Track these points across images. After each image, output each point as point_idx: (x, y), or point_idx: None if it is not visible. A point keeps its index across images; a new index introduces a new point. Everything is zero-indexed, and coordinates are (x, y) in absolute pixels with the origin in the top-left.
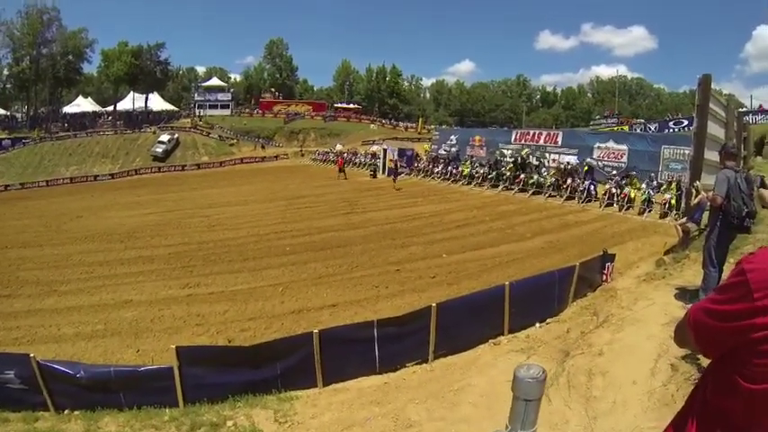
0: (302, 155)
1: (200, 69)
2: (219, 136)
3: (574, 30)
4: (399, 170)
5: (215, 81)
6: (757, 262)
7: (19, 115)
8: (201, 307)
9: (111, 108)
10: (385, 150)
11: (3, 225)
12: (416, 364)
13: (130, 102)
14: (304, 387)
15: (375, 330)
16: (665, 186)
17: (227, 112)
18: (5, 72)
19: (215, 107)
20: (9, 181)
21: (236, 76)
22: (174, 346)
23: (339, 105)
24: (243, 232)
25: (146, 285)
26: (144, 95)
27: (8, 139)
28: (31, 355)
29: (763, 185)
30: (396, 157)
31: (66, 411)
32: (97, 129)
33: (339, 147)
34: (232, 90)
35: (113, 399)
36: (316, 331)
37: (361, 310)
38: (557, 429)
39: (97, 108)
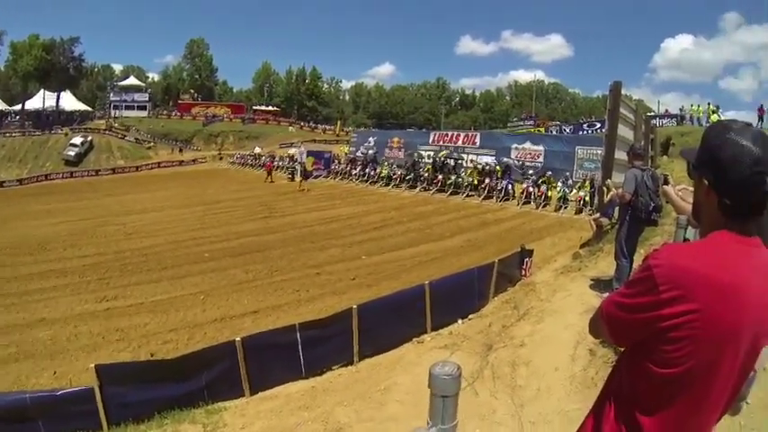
0: (221, 158)
1: (117, 67)
2: (136, 139)
3: (494, 36)
4: (315, 173)
5: (132, 80)
6: (662, 258)
7: None
8: (121, 321)
9: (18, 107)
10: (303, 153)
11: None
12: (342, 366)
13: (40, 100)
14: (231, 397)
15: (298, 334)
16: (579, 184)
17: (144, 113)
18: None
19: (131, 108)
20: None
21: (154, 76)
22: (93, 365)
23: (258, 108)
24: (161, 239)
25: (60, 301)
26: (55, 94)
27: None
28: None
29: (666, 182)
30: (303, 160)
31: None
32: (3, 129)
33: (258, 150)
34: (150, 90)
35: (31, 428)
36: (239, 339)
37: (284, 315)
38: (485, 420)
39: (3, 107)
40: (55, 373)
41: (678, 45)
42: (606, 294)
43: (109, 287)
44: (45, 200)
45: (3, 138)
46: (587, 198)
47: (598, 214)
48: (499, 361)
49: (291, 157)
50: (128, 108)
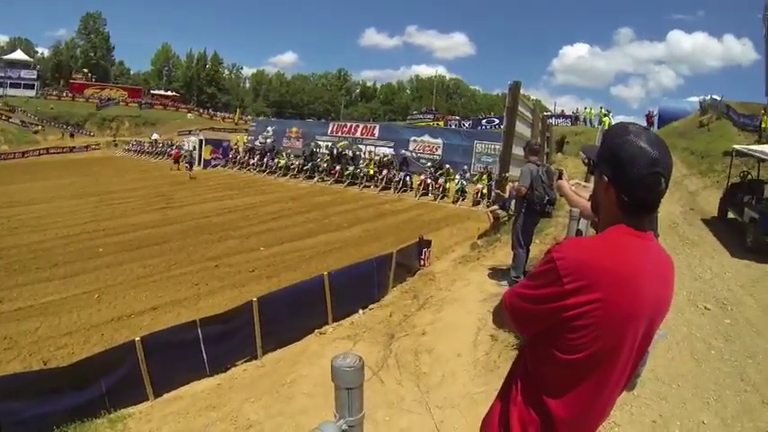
0: (115, 145)
1: (2, 39)
2: (22, 121)
3: (399, 30)
4: (213, 162)
5: (19, 54)
6: (564, 251)
7: None
8: (8, 327)
9: None
10: (201, 141)
11: None
12: (246, 361)
13: None
14: (135, 402)
15: (199, 331)
16: (477, 177)
17: (31, 92)
18: None
19: (17, 86)
20: None
21: (43, 51)
22: None
23: (156, 92)
24: (50, 234)
25: None
26: None
27: None
28: None
29: (560, 177)
30: (190, 148)
31: None
32: None
33: (155, 136)
34: (38, 67)
35: None
36: (138, 339)
37: (184, 311)
38: (393, 407)
39: None
40: None
41: (575, 52)
42: (504, 283)
43: None
44: None
45: None
46: (485, 191)
47: (495, 206)
48: (402, 350)
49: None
50: (13, 86)
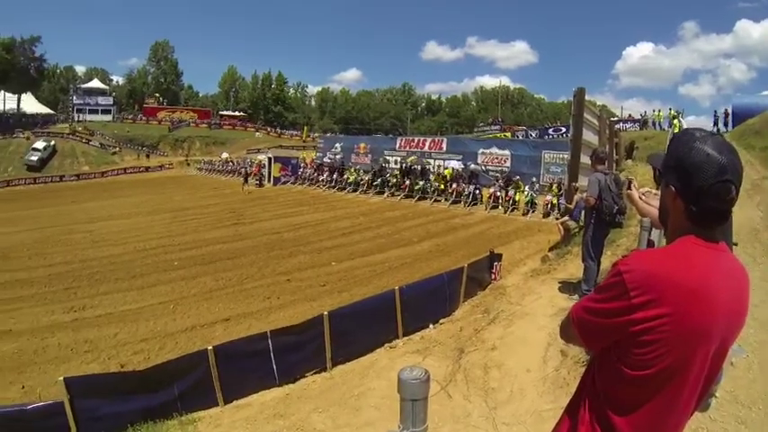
0: (188, 164)
1: (80, 69)
2: (101, 144)
3: (460, 42)
4: (283, 179)
5: (96, 83)
6: (631, 264)
7: None
8: (90, 332)
9: None
10: (270, 159)
11: None
12: (315, 372)
13: (0, 102)
14: (205, 407)
15: (270, 342)
16: (546, 188)
17: (108, 117)
18: None
19: (95, 112)
20: None
21: (118, 79)
22: (62, 378)
23: (224, 113)
24: (129, 247)
25: (25, 312)
26: (16, 96)
27: None
28: None
29: (629, 186)
30: (246, 166)
31: None
32: None
33: (225, 155)
34: (114, 94)
35: None
36: (210, 348)
37: (255, 323)
38: (460, 422)
39: None
40: (23, 387)
41: (639, 52)
42: (576, 296)
43: (77, 297)
44: (7, 207)
45: None
46: (554, 202)
47: (566, 217)
48: (471, 364)
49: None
50: (91, 112)
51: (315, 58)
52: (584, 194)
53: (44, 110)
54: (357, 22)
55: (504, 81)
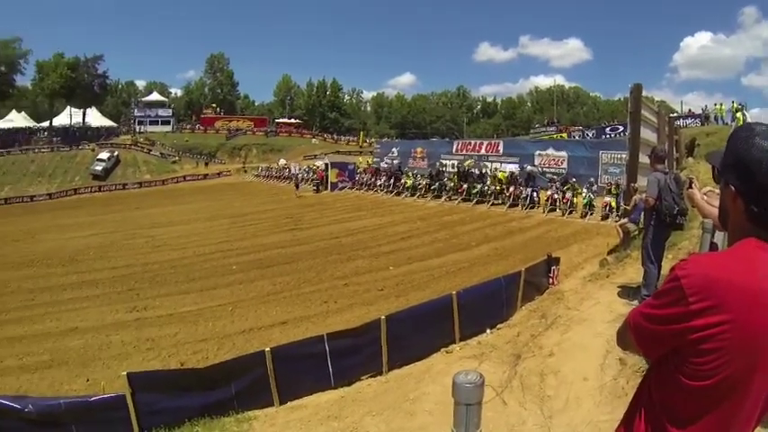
0: (245, 171)
1: (140, 84)
2: (161, 153)
3: (512, 42)
4: (340, 184)
5: (155, 96)
6: (689, 268)
7: None
8: (151, 331)
9: (46, 123)
10: (327, 165)
11: None
12: (371, 376)
13: (67, 117)
14: (261, 406)
15: (326, 345)
16: (605, 190)
17: (168, 128)
18: None
19: (155, 123)
20: None
21: (176, 91)
22: (125, 373)
23: (281, 120)
24: (188, 252)
25: (91, 311)
26: (81, 110)
27: None
28: None
29: (690, 185)
30: (297, 171)
31: None
32: (32, 146)
33: (282, 162)
34: (173, 106)
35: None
36: (268, 349)
37: (312, 326)
38: (514, 430)
39: (32, 123)
40: (88, 380)
41: (697, 43)
42: (635, 302)
43: (139, 298)
44: (74, 213)
45: (32, 153)
46: (613, 203)
47: (625, 220)
48: (528, 371)
49: (313, 170)
50: (152, 123)
51: (369, 63)
52: (643, 195)
53: (107, 123)
54: (409, 27)
55: (559, 80)
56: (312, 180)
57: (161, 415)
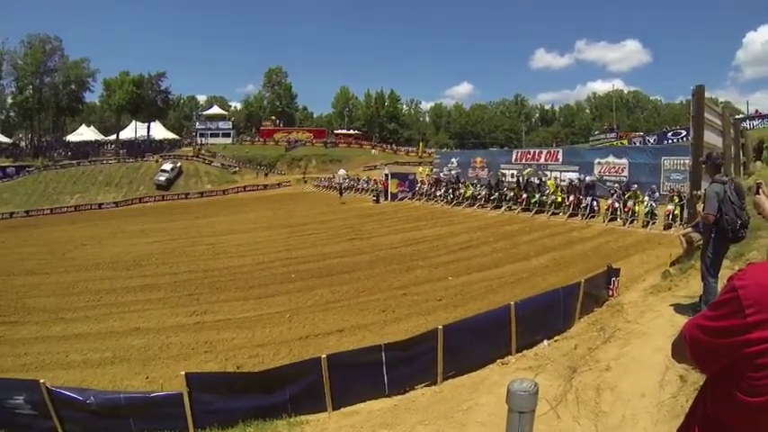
0: (305, 182)
1: (201, 98)
2: (222, 164)
3: (568, 47)
4: (400, 195)
5: (216, 110)
6: (747, 278)
7: (23, 143)
8: (209, 334)
9: (113, 137)
10: (387, 175)
11: (8, 252)
12: (425, 386)
13: (133, 130)
14: (314, 411)
15: (383, 354)
16: (667, 198)
17: (228, 140)
18: (9, 100)
19: (216, 135)
20: (14, 209)
21: (236, 105)
22: (183, 373)
23: (339, 132)
24: (248, 260)
25: (153, 313)
26: (146, 124)
27: (12, 167)
28: (42, 381)
29: (757, 191)
30: (341, 181)
31: None
32: (100, 157)
33: (342, 172)
34: (233, 118)
35: (123, 425)
36: (324, 356)
37: (369, 335)
38: None
39: (100, 137)
40: (147, 377)
41: (761, 38)
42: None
43: (199, 303)
44: (139, 221)
45: (100, 165)
46: (676, 212)
47: (689, 229)
48: (584, 385)
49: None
50: (213, 135)
51: (426, 74)
52: (702, 210)
53: (170, 135)
54: (465, 36)
55: (618, 84)
56: (372, 190)
57: (215, 415)
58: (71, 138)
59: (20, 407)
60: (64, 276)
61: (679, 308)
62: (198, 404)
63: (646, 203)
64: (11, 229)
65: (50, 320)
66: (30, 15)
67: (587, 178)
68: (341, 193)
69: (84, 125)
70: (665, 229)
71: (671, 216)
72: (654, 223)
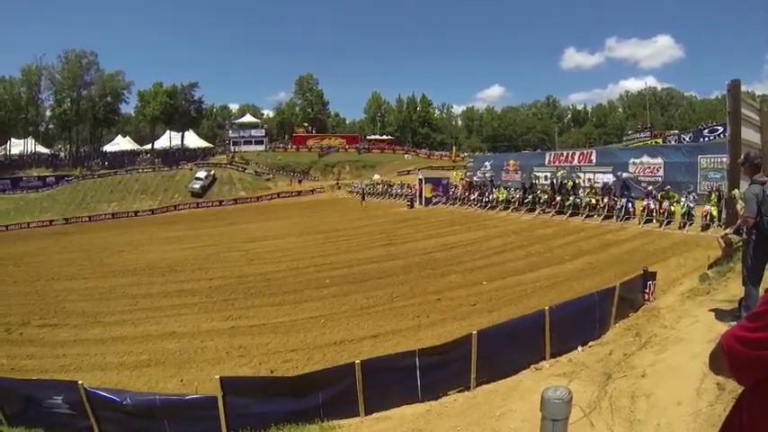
0: (338, 188)
1: (233, 107)
2: (255, 171)
3: (598, 45)
4: (434, 199)
5: (248, 118)
6: None
7: (62, 154)
8: (244, 339)
9: (148, 146)
10: (421, 180)
11: (48, 258)
12: (458, 391)
13: (167, 140)
14: (346, 416)
15: (417, 359)
16: (705, 198)
17: (261, 147)
18: (48, 113)
19: (249, 143)
20: (54, 216)
21: (268, 113)
22: (218, 376)
23: (372, 137)
24: (282, 266)
25: (188, 318)
26: (180, 133)
27: (52, 176)
28: (80, 382)
29: None
30: (363, 186)
31: None
32: (136, 166)
33: (377, 177)
34: (265, 126)
35: (158, 426)
36: (358, 362)
37: (403, 340)
38: None
39: (135, 146)
40: (182, 380)
41: None
42: (735, 322)
43: (233, 308)
44: (174, 228)
45: (136, 173)
46: (714, 212)
47: (729, 230)
48: (618, 392)
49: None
50: (246, 143)
51: (456, 77)
52: (741, 212)
53: (204, 144)
54: (494, 38)
55: (650, 82)
56: (406, 195)
57: (249, 418)
58: (108, 148)
59: (58, 406)
60: (102, 281)
61: (718, 313)
62: (232, 408)
63: (682, 204)
64: (51, 235)
65: (89, 324)
66: (65, 31)
67: (624, 175)
68: (363, 198)
69: (120, 135)
70: (702, 230)
71: (708, 217)
72: (691, 224)
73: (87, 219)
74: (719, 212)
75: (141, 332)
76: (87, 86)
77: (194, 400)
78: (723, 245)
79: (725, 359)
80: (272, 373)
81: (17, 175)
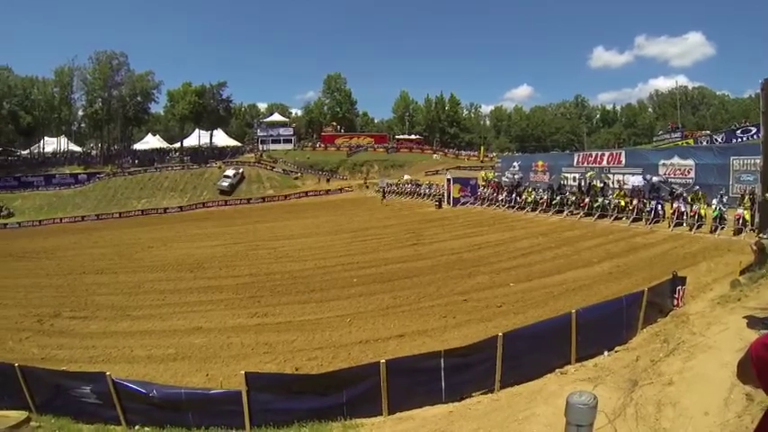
0: (366, 187)
1: (262, 106)
2: (284, 170)
3: (627, 44)
4: (462, 200)
5: (276, 117)
6: None
7: (94, 152)
8: (270, 336)
9: (178, 144)
10: (449, 180)
11: (80, 253)
12: (482, 393)
13: (196, 138)
14: (369, 415)
15: (442, 360)
16: (737, 201)
17: (289, 146)
18: (80, 113)
19: (278, 142)
20: (85, 212)
21: (296, 111)
22: (243, 372)
23: (401, 137)
24: (309, 264)
25: (215, 314)
26: (209, 132)
27: (84, 173)
28: (108, 373)
29: None
30: (383, 185)
31: (136, 427)
32: (166, 164)
33: (407, 177)
34: (294, 125)
35: (182, 418)
36: (383, 361)
37: (429, 341)
38: None
39: (165, 145)
40: (207, 374)
41: None
42: (766, 331)
43: (260, 305)
44: (203, 225)
45: (166, 171)
46: (747, 216)
47: (765, 235)
48: (644, 399)
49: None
50: (274, 142)
51: (485, 77)
52: None
53: (233, 143)
54: (522, 38)
55: (681, 81)
56: (434, 195)
57: (272, 414)
58: (138, 146)
59: (86, 396)
60: (131, 276)
61: (749, 321)
62: (255, 403)
63: (714, 207)
64: (83, 231)
65: (118, 317)
66: (96, 33)
67: (654, 179)
68: (384, 196)
69: (149, 134)
70: (734, 234)
71: (741, 221)
72: (723, 228)
73: (118, 215)
74: (752, 216)
75: (169, 326)
76: (118, 86)
77: (219, 395)
78: (756, 250)
79: (753, 368)
80: (296, 370)
81: (50, 173)
